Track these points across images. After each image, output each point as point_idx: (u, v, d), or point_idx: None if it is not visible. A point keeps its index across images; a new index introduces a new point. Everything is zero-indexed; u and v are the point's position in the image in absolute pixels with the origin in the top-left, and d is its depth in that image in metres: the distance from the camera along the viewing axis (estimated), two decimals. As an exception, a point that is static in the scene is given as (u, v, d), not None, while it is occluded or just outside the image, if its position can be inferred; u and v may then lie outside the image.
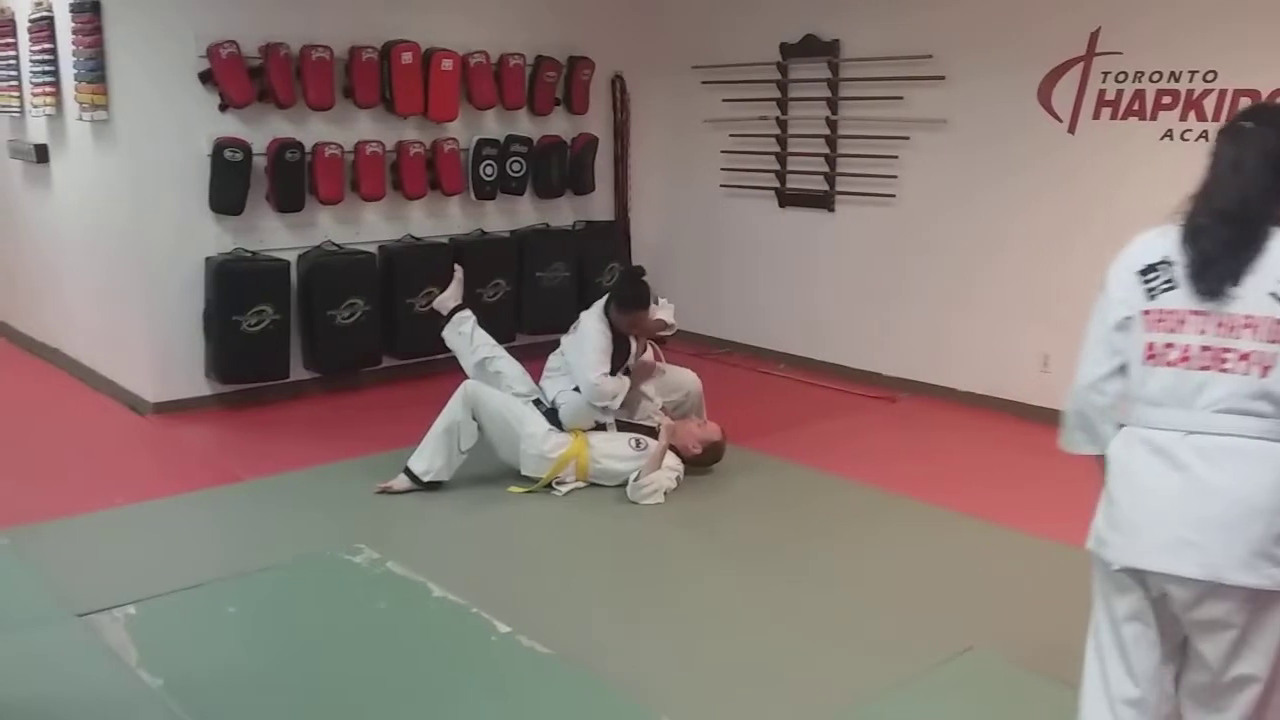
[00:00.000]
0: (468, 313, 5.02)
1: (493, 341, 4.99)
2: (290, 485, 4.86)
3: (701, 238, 7.60)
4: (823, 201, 6.79)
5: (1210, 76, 5.03)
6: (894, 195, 6.37)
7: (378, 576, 3.91)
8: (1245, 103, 4.90)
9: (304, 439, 5.57)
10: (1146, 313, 2.10)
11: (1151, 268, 2.11)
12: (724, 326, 7.48)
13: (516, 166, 6.86)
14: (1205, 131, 4.96)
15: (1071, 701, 2.36)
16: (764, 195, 7.11)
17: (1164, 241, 2.12)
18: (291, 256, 6.11)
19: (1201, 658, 2.10)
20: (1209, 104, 5.00)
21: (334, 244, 6.27)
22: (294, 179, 6.01)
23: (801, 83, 6.78)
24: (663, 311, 5.14)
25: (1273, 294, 1.99)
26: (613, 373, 4.81)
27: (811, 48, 6.65)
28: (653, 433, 4.85)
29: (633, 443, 4.78)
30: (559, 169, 7.12)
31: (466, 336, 4.96)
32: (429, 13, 6.46)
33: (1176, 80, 5.14)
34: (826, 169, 6.72)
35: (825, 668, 3.33)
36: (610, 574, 4.02)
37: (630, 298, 4.97)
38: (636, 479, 4.62)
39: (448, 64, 6.41)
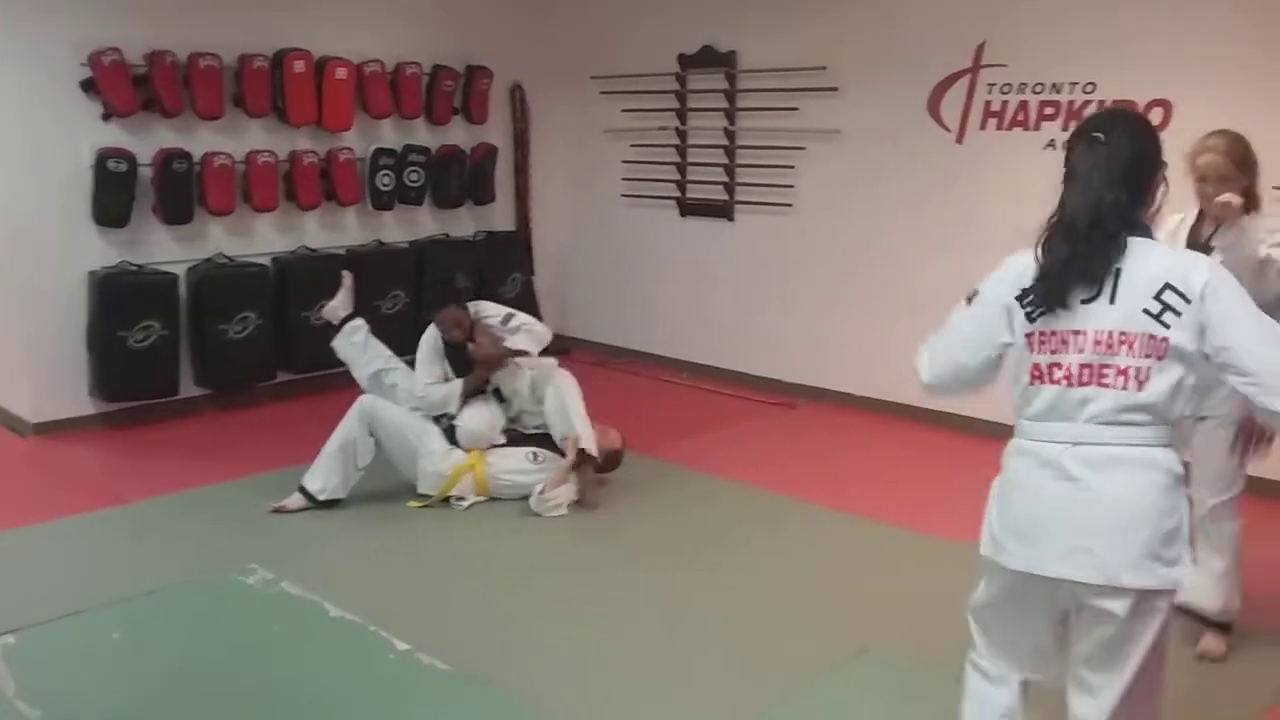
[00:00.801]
0: (360, 322, 4.91)
1: (389, 353, 4.91)
2: (179, 506, 4.71)
3: (604, 247, 7.61)
4: (722, 211, 6.85)
5: (1090, 88, 5.22)
6: (791, 204, 6.46)
7: (271, 597, 3.81)
8: (1122, 114, 5.10)
9: (194, 458, 5.40)
10: (1029, 335, 2.16)
11: (1027, 291, 2.16)
12: (627, 335, 7.49)
13: (414, 176, 6.78)
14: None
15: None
16: (665, 205, 7.15)
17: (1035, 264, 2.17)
18: (180, 269, 5.94)
19: (1086, 641, 2.18)
20: (1089, 114, 5.17)
21: (225, 256, 6.11)
22: (182, 190, 5.84)
23: (700, 93, 6.84)
24: (521, 338, 4.84)
25: (1146, 310, 2.06)
26: (462, 375, 4.78)
27: (709, 59, 6.71)
28: (550, 442, 4.81)
29: (530, 456, 4.75)
30: (458, 179, 7.06)
31: (359, 346, 4.86)
32: (321, 20, 6.35)
33: (1058, 92, 5.32)
34: (726, 179, 6.80)
35: (725, 674, 3.34)
36: (512, 586, 3.98)
37: (429, 304, 5.05)
38: (542, 491, 4.59)
39: (342, 73, 6.31)
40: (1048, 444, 2.15)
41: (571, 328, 7.87)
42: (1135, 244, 2.10)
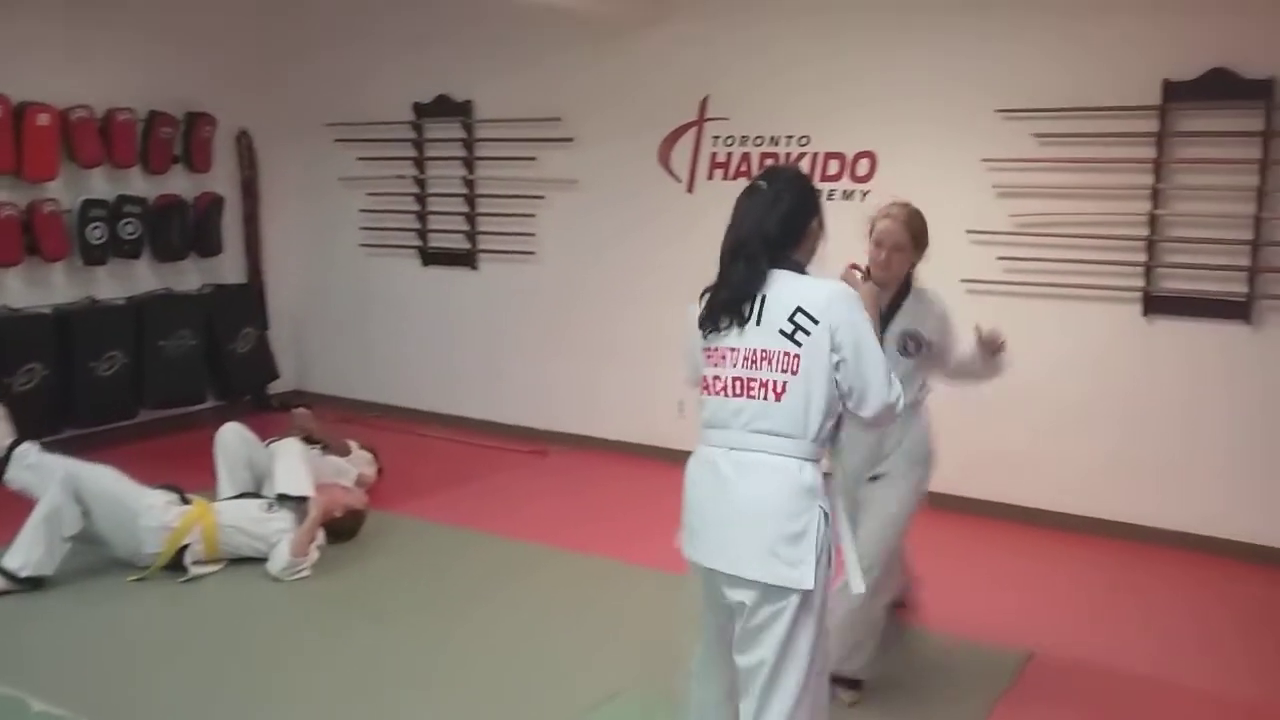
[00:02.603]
0: (29, 444, 4.41)
1: (71, 459, 4.43)
2: None
3: (345, 298, 7.39)
4: (465, 259, 6.82)
5: (804, 140, 5.58)
6: (534, 252, 6.51)
7: (-38, 696, 3.41)
8: (835, 165, 5.48)
9: None
10: (705, 350, 2.48)
11: (702, 314, 2.48)
12: (373, 388, 7.29)
13: (130, 228, 6.34)
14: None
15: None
16: (407, 254, 7.04)
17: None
18: None
19: (738, 630, 2.44)
20: (804, 165, 5.49)
21: (-93, 318, 5.51)
22: None
23: (437, 142, 6.80)
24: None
25: (782, 330, 2.35)
26: None
27: (445, 108, 6.69)
28: (285, 500, 4.59)
29: (264, 506, 4.53)
30: (181, 230, 6.66)
31: (36, 468, 4.33)
32: (19, 63, 5.86)
33: (776, 144, 5.65)
34: (467, 227, 6.77)
35: (475, 731, 3.27)
36: (245, 661, 3.74)
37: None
38: (291, 555, 4.36)
39: (44, 119, 5.84)
40: (712, 448, 2.44)
41: (313, 382, 7.57)
42: (778, 274, 2.40)
